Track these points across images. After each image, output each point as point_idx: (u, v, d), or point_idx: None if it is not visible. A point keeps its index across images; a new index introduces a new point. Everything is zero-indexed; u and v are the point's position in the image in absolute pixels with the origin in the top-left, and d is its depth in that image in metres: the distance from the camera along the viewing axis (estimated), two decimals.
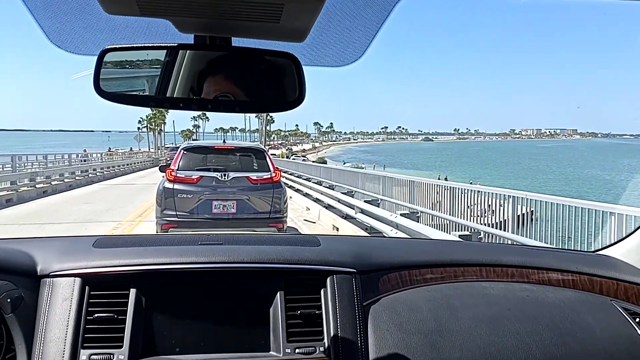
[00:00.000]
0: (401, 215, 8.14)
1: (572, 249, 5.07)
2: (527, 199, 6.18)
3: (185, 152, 7.29)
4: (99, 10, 0.77)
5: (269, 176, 7.18)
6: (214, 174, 7.00)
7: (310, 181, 17.78)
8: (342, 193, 12.29)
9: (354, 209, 10.35)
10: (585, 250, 2.20)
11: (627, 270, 1.48)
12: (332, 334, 1.24)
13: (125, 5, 0.76)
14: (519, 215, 6.30)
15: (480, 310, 1.31)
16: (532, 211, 6.14)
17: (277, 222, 7.08)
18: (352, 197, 11.85)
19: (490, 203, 6.87)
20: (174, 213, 6.86)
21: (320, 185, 16.01)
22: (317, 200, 14.11)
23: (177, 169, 7.01)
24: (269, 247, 1.40)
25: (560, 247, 5.29)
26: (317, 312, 1.27)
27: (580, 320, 1.31)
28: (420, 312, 1.29)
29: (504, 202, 6.51)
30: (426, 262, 1.43)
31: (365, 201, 10.31)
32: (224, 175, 7.00)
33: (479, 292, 1.37)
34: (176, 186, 6.89)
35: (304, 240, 1.50)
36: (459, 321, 1.28)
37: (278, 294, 1.27)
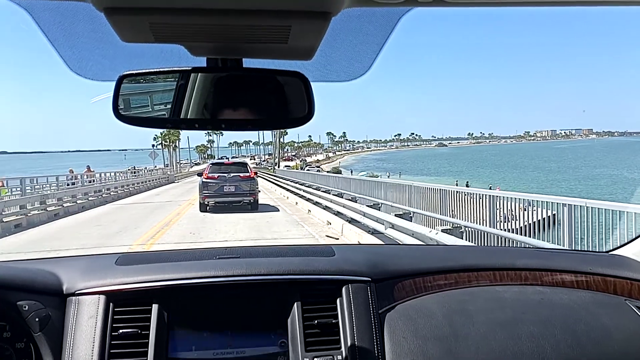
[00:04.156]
0: (442, 231, 7.20)
1: (585, 249, 5.04)
2: (539, 201, 6.23)
3: (211, 165, 16.38)
4: (115, 39, 0.81)
5: (249, 174, 15.63)
6: (224, 174, 15.40)
7: (329, 193, 16.97)
8: (367, 206, 11.35)
9: (383, 224, 9.38)
10: (598, 250, 2.15)
11: None
12: (349, 343, 1.26)
13: (140, 34, 0.81)
14: (539, 220, 6.26)
15: (495, 314, 1.31)
16: (554, 214, 6.06)
17: (253, 194, 15.48)
18: (379, 209, 10.90)
19: (510, 208, 6.93)
20: (207, 192, 15.19)
21: (342, 197, 15.14)
22: (338, 214, 13.20)
23: (209, 173, 15.52)
24: (285, 259, 1.43)
25: (573, 248, 5.27)
26: (333, 321, 1.29)
27: (595, 321, 1.31)
28: (435, 318, 1.29)
29: (527, 207, 6.65)
30: (440, 269, 1.43)
31: (396, 215, 9.34)
32: (229, 174, 15.41)
33: (493, 296, 1.37)
34: (208, 180, 15.30)
35: (319, 251, 1.53)
36: (474, 326, 1.28)
37: (295, 304, 1.29)
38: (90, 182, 23.88)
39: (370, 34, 0.88)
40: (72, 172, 24.12)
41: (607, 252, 1.66)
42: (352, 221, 11.55)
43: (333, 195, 16.18)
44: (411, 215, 9.17)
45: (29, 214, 14.86)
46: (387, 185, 11.99)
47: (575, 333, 1.27)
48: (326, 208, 14.81)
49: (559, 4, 0.78)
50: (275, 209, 17.07)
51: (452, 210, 8.03)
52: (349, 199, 14.16)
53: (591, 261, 1.51)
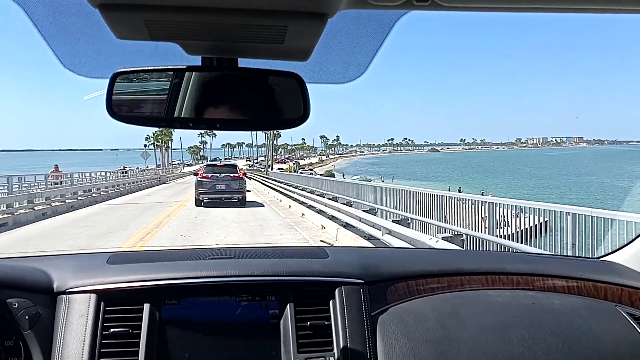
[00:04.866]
0: (443, 239, 7.14)
1: (577, 255, 5.05)
2: (532, 208, 6.32)
3: (206, 166, 19.03)
4: (110, 35, 0.80)
5: (238, 175, 18.40)
6: (217, 174, 17.96)
7: (324, 197, 16.94)
8: (363, 211, 11.29)
9: (379, 229, 9.28)
10: (590, 256, 2.16)
11: (631, 275, 1.49)
12: (341, 345, 1.26)
13: (135, 31, 0.80)
14: (531, 227, 6.29)
15: (487, 318, 1.32)
16: (546, 221, 6.12)
17: (241, 192, 18.25)
18: (375, 214, 10.85)
19: (503, 214, 6.92)
20: (202, 189, 17.72)
21: (336, 201, 15.08)
22: (333, 218, 13.15)
23: (203, 173, 18.06)
24: (278, 260, 1.43)
25: (564, 254, 5.32)
26: (326, 322, 1.29)
27: (585, 326, 1.32)
28: (428, 321, 1.30)
29: (519, 213, 6.70)
30: (432, 272, 1.44)
31: (393, 221, 9.27)
32: (220, 174, 17.97)
33: (484, 300, 1.38)
34: (203, 179, 17.87)
35: (312, 253, 1.53)
36: (466, 329, 1.28)
37: (288, 305, 1.29)
38: (58, 183, 21.32)
39: (367, 37, 0.88)
40: (54, 171, 23.64)
41: (598, 258, 1.67)
42: (347, 226, 11.44)
43: (327, 199, 16.11)
44: (409, 221, 9.14)
45: (15, 213, 14.66)
46: (382, 189, 11.98)
47: (566, 337, 1.29)
48: (320, 212, 14.69)
49: (555, 10, 0.79)
50: (268, 211, 17.06)
51: (447, 216, 8.04)
52: (343, 203, 14.09)
53: (582, 267, 1.53)
